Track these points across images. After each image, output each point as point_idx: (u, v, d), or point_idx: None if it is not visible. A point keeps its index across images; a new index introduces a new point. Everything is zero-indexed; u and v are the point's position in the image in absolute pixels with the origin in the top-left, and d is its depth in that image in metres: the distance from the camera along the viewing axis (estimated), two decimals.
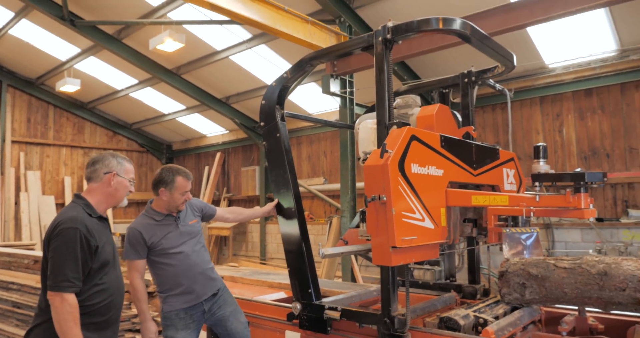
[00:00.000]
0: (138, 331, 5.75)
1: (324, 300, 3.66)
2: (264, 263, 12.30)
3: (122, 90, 13.33)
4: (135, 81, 12.69)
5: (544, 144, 3.28)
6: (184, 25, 9.44)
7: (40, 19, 10.23)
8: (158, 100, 13.56)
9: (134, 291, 3.21)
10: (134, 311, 5.61)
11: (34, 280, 4.67)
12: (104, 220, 2.55)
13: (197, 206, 3.65)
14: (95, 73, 12.53)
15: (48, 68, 12.86)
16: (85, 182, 12.95)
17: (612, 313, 3.51)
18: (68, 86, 11.80)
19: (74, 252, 2.28)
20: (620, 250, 7.17)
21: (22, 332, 4.50)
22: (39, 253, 5.24)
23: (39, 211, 13.26)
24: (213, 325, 3.58)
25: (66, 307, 2.23)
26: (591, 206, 2.86)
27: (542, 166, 3.20)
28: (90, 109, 15.01)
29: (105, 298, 2.43)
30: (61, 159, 14.67)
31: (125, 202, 2.62)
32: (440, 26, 3.04)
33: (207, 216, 3.72)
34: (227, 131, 14.49)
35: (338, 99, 8.03)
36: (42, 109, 14.38)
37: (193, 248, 3.40)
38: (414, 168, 2.94)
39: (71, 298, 2.25)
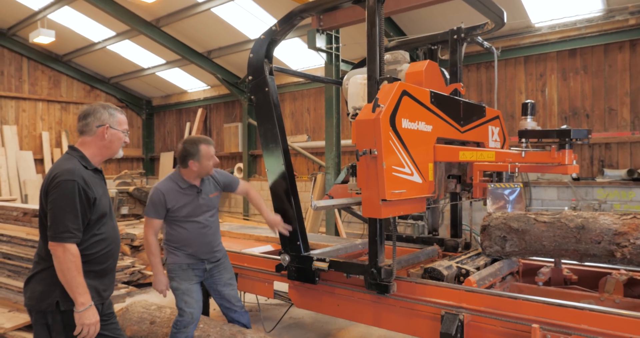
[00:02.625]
0: (129, 283, 5.86)
1: (312, 252, 3.76)
2: (247, 219, 12.44)
3: (99, 42, 12.86)
4: (113, 33, 12.24)
5: (532, 101, 3.33)
6: None
7: None
8: (137, 53, 13.15)
9: (147, 245, 3.40)
10: (127, 262, 5.74)
11: (23, 231, 4.67)
12: (99, 172, 2.56)
13: (220, 180, 3.68)
14: (71, 24, 12.02)
15: (20, 18, 12.28)
16: (64, 137, 12.64)
17: (585, 265, 3.70)
18: (42, 37, 11.32)
19: (73, 204, 2.30)
20: (595, 208, 7.45)
21: (15, 282, 4.56)
22: (27, 205, 5.23)
23: (18, 167, 13.03)
24: (209, 287, 3.72)
25: (69, 257, 2.28)
26: (574, 162, 2.95)
27: (529, 123, 3.26)
28: (66, 62, 14.50)
29: (103, 247, 2.49)
30: (38, 113, 14.28)
31: (121, 153, 2.61)
32: None
33: (227, 189, 3.75)
34: (209, 87, 14.23)
35: (323, 55, 7.92)
36: (15, 61, 13.84)
37: (208, 219, 3.54)
38: (405, 123, 2.98)
39: (73, 248, 2.30)
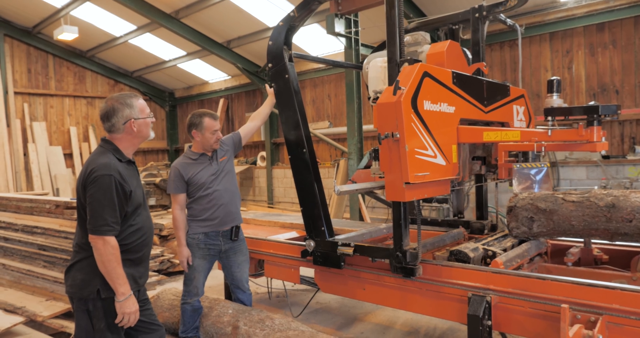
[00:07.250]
0: (159, 271, 6.01)
1: (336, 237, 3.77)
2: (272, 207, 12.54)
3: (120, 37, 13.02)
4: (134, 27, 12.37)
5: (558, 78, 3.24)
6: None
7: None
8: (158, 46, 13.27)
9: (174, 220, 3.64)
10: (157, 251, 5.92)
11: (56, 223, 4.83)
12: (132, 163, 2.62)
13: (224, 143, 3.85)
14: (93, 20, 12.20)
15: (44, 16, 12.51)
16: (91, 131, 12.86)
17: (616, 244, 3.62)
18: (66, 34, 11.51)
19: (110, 198, 2.38)
20: (626, 186, 7.25)
21: (50, 272, 4.72)
22: (59, 198, 5.41)
23: (48, 162, 13.38)
24: (224, 267, 3.92)
25: (108, 249, 2.36)
26: (603, 139, 2.87)
27: (555, 100, 3.18)
28: (89, 57, 14.75)
29: (139, 236, 2.57)
30: (65, 109, 14.60)
31: (152, 135, 2.68)
32: None
33: (237, 143, 3.93)
34: (230, 77, 14.29)
35: (343, 40, 7.85)
36: (41, 59, 14.13)
37: (224, 185, 3.72)
38: (427, 105, 2.94)
39: (112, 241, 2.39)
